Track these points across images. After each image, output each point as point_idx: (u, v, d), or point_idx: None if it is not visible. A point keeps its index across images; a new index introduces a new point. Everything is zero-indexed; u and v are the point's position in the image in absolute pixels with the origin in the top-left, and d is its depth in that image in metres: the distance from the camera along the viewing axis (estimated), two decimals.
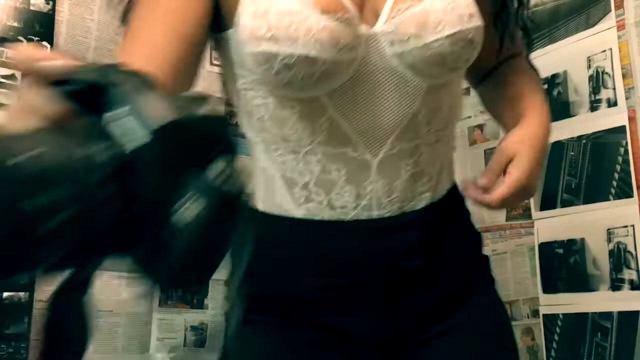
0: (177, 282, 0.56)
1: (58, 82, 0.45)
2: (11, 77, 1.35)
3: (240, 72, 0.89)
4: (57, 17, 1.43)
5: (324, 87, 0.85)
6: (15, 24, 1.37)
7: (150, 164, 0.42)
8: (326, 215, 0.91)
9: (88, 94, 0.44)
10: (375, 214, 0.91)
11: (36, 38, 1.39)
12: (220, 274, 1.56)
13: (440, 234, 0.97)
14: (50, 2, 1.42)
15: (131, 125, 0.42)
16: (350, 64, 0.84)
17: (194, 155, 0.44)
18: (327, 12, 0.80)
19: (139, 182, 0.42)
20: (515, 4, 1.03)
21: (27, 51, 0.49)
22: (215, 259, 0.49)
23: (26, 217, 0.39)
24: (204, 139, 0.45)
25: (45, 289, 1.34)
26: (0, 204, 0.39)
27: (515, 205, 1.12)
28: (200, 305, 1.54)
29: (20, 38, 1.37)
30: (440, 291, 0.96)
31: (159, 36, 0.81)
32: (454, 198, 1.00)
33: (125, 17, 0.88)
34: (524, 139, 0.98)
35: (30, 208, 0.39)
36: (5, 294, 1.27)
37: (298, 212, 0.92)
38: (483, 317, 0.99)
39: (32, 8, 1.39)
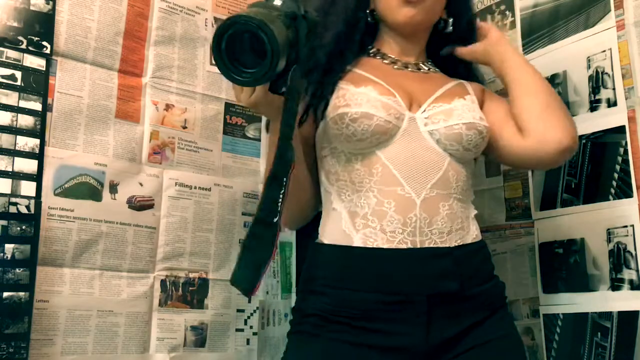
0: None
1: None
2: (11, 77, 1.35)
3: (321, 144, 1.29)
4: (57, 17, 1.43)
5: (377, 140, 1.21)
6: (15, 24, 1.37)
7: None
8: (379, 239, 1.19)
9: None
10: (418, 240, 1.19)
11: (36, 38, 1.39)
12: (220, 274, 1.58)
13: (471, 268, 1.23)
14: (50, 2, 1.42)
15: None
16: (396, 126, 1.22)
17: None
18: (382, 95, 1.24)
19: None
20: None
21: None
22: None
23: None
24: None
25: (46, 289, 1.34)
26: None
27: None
28: (200, 305, 1.54)
29: (20, 38, 1.37)
30: (473, 316, 1.21)
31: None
32: (482, 250, 1.29)
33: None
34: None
35: None
36: (5, 294, 1.27)
37: (357, 237, 1.20)
38: (504, 337, 1.24)
39: (32, 8, 1.39)
